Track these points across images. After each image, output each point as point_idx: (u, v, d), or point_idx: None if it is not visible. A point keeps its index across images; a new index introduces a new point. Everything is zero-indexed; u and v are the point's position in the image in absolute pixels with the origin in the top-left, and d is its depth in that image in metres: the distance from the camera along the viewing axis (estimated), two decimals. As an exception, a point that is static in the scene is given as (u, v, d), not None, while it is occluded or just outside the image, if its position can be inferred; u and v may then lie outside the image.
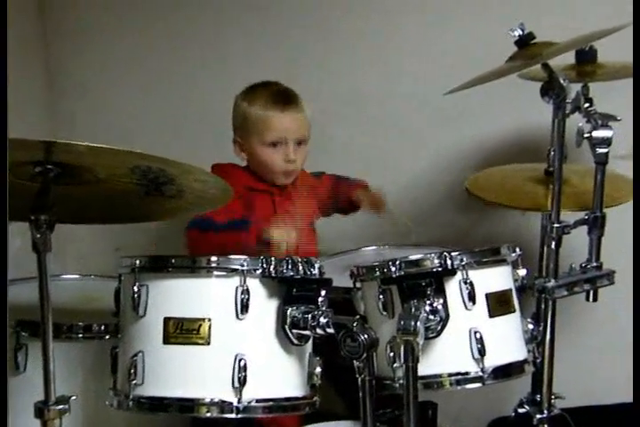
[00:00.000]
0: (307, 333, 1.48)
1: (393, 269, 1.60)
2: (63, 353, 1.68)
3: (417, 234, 2.61)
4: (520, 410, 1.96)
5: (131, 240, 2.67)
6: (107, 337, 1.76)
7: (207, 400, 1.46)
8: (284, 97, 2.19)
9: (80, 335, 1.78)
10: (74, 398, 1.47)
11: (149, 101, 2.99)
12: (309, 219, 2.31)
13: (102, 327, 1.77)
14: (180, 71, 2.94)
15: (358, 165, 2.75)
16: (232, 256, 1.50)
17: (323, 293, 1.53)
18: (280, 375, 1.52)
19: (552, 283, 1.78)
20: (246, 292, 1.47)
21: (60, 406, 1.44)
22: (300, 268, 1.52)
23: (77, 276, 2.25)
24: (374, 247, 2.34)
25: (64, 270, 2.41)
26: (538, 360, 1.72)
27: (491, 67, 1.91)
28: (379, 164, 2.78)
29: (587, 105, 1.79)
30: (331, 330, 1.45)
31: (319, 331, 1.46)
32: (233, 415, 1.46)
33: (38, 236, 1.39)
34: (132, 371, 1.47)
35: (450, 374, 1.59)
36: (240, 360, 1.45)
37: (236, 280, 1.48)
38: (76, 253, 3.05)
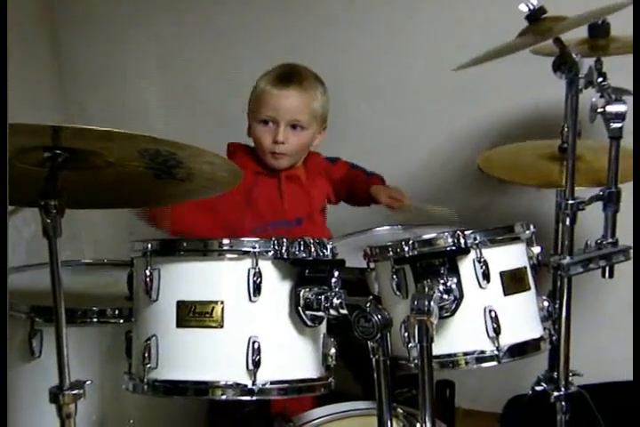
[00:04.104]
0: (320, 314, 1.47)
1: (406, 248, 1.58)
2: (78, 338, 1.69)
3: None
4: (537, 388, 1.95)
5: (145, 224, 2.68)
6: (121, 322, 1.75)
7: (222, 383, 1.45)
8: (287, 76, 2.14)
9: (95, 320, 1.77)
10: (88, 382, 1.47)
11: (159, 89, 2.99)
12: (320, 204, 2.29)
13: (117, 312, 1.77)
14: (191, 59, 2.94)
15: (372, 145, 2.74)
16: (244, 238, 1.49)
17: (335, 274, 1.51)
18: (294, 357, 1.51)
19: (567, 260, 1.76)
20: (258, 274, 1.46)
21: (75, 391, 1.44)
22: (313, 249, 1.50)
23: (91, 261, 2.25)
24: (388, 227, 2.33)
25: (80, 256, 2.41)
26: (554, 338, 1.71)
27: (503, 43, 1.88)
28: (393, 143, 2.77)
29: (600, 79, 1.76)
30: (344, 311, 1.44)
31: (332, 312, 1.45)
32: (248, 398, 1.45)
33: (48, 221, 1.38)
34: (146, 355, 1.47)
35: (465, 353, 1.58)
36: (254, 343, 1.44)
37: (247, 262, 1.47)
38: (91, 238, 3.07)
